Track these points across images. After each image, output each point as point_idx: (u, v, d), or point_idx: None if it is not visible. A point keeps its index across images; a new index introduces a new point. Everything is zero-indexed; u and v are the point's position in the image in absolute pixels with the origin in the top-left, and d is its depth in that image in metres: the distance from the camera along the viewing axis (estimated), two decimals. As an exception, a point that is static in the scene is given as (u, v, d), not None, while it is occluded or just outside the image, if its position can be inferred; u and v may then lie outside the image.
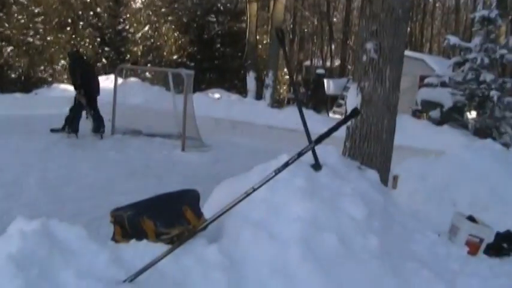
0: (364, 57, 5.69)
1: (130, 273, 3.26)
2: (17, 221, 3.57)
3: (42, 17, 19.77)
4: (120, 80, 14.43)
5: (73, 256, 3.26)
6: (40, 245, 3.18)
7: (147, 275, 3.27)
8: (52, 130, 12.50)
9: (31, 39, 19.17)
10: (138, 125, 13.78)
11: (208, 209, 4.34)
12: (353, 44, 38.62)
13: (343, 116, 20.49)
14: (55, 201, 7.37)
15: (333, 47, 38.83)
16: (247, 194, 3.44)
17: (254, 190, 3.45)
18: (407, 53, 6.00)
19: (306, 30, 44.82)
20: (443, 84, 16.19)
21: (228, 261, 3.70)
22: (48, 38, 19.93)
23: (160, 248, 3.66)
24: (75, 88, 12.60)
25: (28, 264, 3.01)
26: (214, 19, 25.20)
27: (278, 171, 3.59)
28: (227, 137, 13.78)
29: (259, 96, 19.73)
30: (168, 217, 4.03)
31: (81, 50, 20.34)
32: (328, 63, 38.45)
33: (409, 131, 11.47)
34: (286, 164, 3.68)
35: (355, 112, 4.60)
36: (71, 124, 12.41)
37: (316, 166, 4.53)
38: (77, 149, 11.40)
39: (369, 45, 5.64)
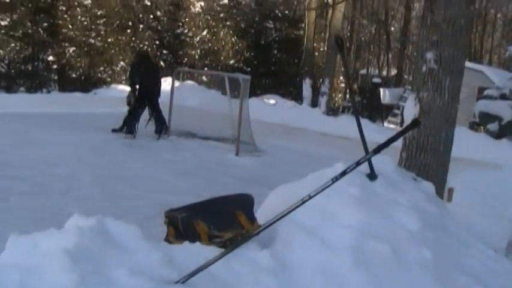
0: (424, 68, 5.62)
1: (182, 274, 3.28)
2: (74, 217, 3.64)
3: (104, 19, 20.19)
4: (177, 83, 14.58)
5: (127, 254, 3.30)
6: (95, 242, 3.24)
7: (198, 277, 3.28)
8: (113, 130, 12.75)
9: (92, 41, 19.60)
10: (193, 127, 13.90)
11: (261, 214, 4.34)
12: (410, 54, 38.19)
13: (398, 126, 20.24)
14: (109, 199, 7.49)
15: (389, 56, 38.47)
16: (303, 201, 3.42)
17: (310, 197, 3.44)
18: (466, 64, 5.90)
19: (362, 38, 44.52)
20: (502, 97, 15.85)
21: (279, 266, 3.69)
22: (109, 40, 20.33)
23: (213, 251, 3.68)
24: (131, 86, 12.79)
25: (83, 260, 3.07)
26: (272, 25, 25.26)
27: (335, 179, 3.56)
28: (281, 142, 13.77)
29: (314, 103, 19.68)
30: (221, 220, 4.04)
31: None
32: (384, 73, 38.09)
33: (466, 144, 11.27)
34: (344, 173, 3.65)
35: (415, 123, 4.52)
36: (128, 126, 12.62)
37: (372, 176, 4.48)
38: (132, 148, 11.57)
39: (429, 55, 5.57)
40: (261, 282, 3.56)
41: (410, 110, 5.77)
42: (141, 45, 21.43)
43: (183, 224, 4.04)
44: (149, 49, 21.34)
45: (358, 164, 3.74)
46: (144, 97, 12.91)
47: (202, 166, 10.40)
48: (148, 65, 13.22)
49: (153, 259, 3.31)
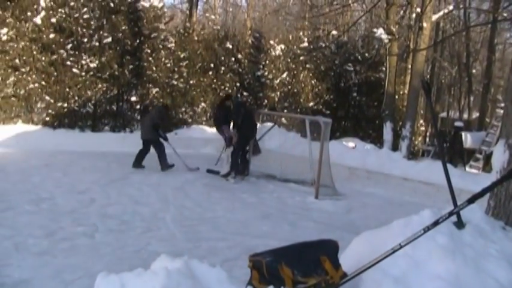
0: (514, 112, 5.45)
1: (268, 319, 3.27)
2: (160, 258, 3.70)
3: (187, 61, 20.60)
4: (258, 125, 14.74)
5: (213, 297, 3.32)
6: (183, 284, 3.27)
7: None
8: (208, 171, 13.10)
9: (175, 82, 20.02)
10: (273, 169, 13.95)
11: (345, 260, 4.28)
12: (493, 97, 37.27)
13: (480, 171, 19.60)
14: (190, 239, 7.56)
15: (471, 98, 37.68)
16: (394, 251, 3.36)
17: (401, 247, 3.37)
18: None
19: (443, 81, 43.86)
20: None
21: (365, 316, 3.63)
22: (191, 82, 20.71)
23: (298, 296, 3.66)
24: (236, 129, 13.38)
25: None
26: (352, 68, 25.23)
27: (427, 229, 3.48)
28: (361, 186, 13.63)
29: (395, 147, 19.43)
30: (306, 266, 4.01)
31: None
32: (465, 116, 37.32)
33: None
34: (436, 223, 3.56)
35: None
36: (237, 168, 13.07)
37: (459, 224, 4.35)
38: (212, 189, 11.67)
39: (519, 100, 5.40)
40: (346, 331, 3.50)
41: (500, 156, 5.58)
42: (222, 87, 21.75)
43: (268, 269, 4.02)
44: (230, 91, 21.64)
45: (451, 214, 3.64)
46: (246, 139, 13.28)
47: (282, 209, 10.37)
48: (247, 108, 13.78)
49: (240, 304, 3.31)
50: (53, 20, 16.81)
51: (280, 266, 3.99)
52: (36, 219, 7.73)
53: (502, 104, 16.73)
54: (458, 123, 26.46)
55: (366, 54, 25.83)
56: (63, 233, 7.22)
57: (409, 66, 23.50)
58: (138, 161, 13.44)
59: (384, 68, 24.14)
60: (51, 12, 16.85)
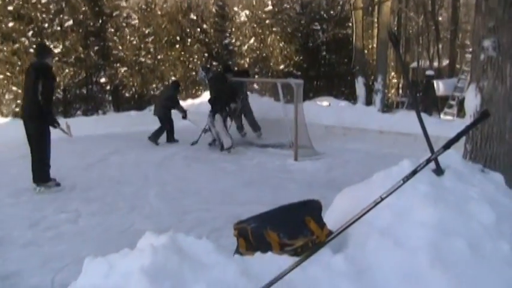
0: (482, 56, 5.45)
1: (259, 285, 3.27)
2: (146, 236, 3.69)
3: (153, 37, 20.45)
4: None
5: (202, 269, 3.32)
6: (170, 259, 3.26)
7: (275, 286, 3.27)
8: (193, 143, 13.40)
9: (143, 59, 19.88)
10: (250, 136, 13.94)
11: (330, 218, 4.31)
12: (461, 43, 37.44)
13: (455, 117, 19.79)
14: (175, 214, 7.58)
15: (440, 46, 37.81)
16: (376, 203, 3.38)
17: (382, 199, 3.39)
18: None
19: (410, 31, 43.90)
20: None
21: (355, 270, 3.65)
22: (159, 57, 20.60)
23: (286, 259, 3.67)
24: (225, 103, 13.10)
25: (160, 278, 3.10)
26: (319, 27, 25.16)
27: (406, 179, 3.49)
28: (339, 143, 13.67)
29: (368, 101, 19.49)
30: (291, 228, 4.03)
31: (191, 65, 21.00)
32: (435, 64, 37.48)
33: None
34: (415, 172, 3.57)
35: (484, 114, 4.37)
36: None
37: (438, 170, 4.38)
38: (192, 161, 11.68)
39: (487, 43, 5.40)
40: (337, 287, 3.53)
41: (472, 100, 5.61)
42: (190, 59, 21.61)
43: (254, 235, 4.04)
44: (199, 62, 21.53)
45: (428, 161, 3.67)
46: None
47: (263, 174, 10.39)
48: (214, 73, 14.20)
49: (229, 272, 3.31)
50: (10, 7, 16.54)
51: (265, 231, 4.00)
52: (18, 211, 7.70)
53: (470, 49, 16.92)
54: (429, 72, 26.64)
55: (331, 12, 25.77)
56: (46, 221, 7.19)
57: (375, 20, 23.51)
58: (155, 136, 13.76)
59: (350, 24, 24.13)
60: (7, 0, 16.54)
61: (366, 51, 23.44)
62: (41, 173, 8.92)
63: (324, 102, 19.34)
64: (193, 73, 21.41)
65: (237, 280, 3.28)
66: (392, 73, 30.22)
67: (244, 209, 7.34)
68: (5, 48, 16.19)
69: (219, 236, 6.01)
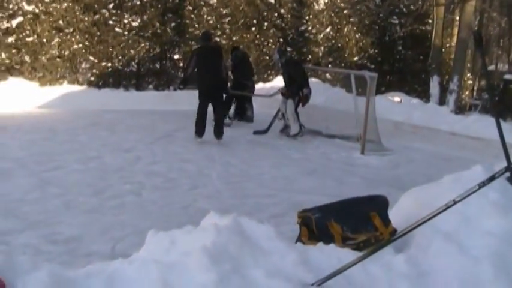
0: None
1: (317, 276, 3.25)
2: (210, 215, 3.70)
3: (229, 18, 20.48)
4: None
5: (262, 254, 3.31)
6: (232, 241, 3.27)
7: (334, 279, 3.24)
8: (255, 132, 13.11)
9: (218, 39, 19.93)
10: (318, 125, 13.84)
11: (394, 217, 4.23)
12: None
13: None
14: (236, 196, 7.61)
15: (522, 50, 36.65)
16: (448, 207, 3.28)
17: (455, 203, 3.28)
18: None
19: (492, 32, 42.69)
20: None
21: (415, 272, 3.58)
22: (234, 38, 20.61)
23: (347, 253, 3.63)
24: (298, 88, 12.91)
25: (222, 259, 3.11)
26: (397, 21, 24.71)
27: (483, 184, 3.37)
28: (407, 141, 13.42)
29: (442, 101, 19.07)
30: (355, 222, 3.99)
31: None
32: (515, 68, 36.40)
33: None
34: (492, 178, 3.44)
35: None
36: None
37: (512, 179, 4.23)
38: (257, 146, 11.67)
39: None
40: (396, 287, 3.46)
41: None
42: (265, 43, 21.60)
43: (317, 225, 4.01)
44: (273, 46, 21.48)
45: (507, 169, 3.51)
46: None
47: (328, 165, 10.31)
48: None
49: (288, 260, 3.30)
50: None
51: (329, 222, 3.97)
52: (85, 178, 7.87)
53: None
54: (508, 76, 25.83)
55: (412, 6, 25.24)
56: (111, 190, 7.34)
57: (457, 18, 22.94)
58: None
59: (430, 20, 23.62)
60: (92, -28, 16.86)
61: (443, 50, 22.91)
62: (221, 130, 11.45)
63: (396, 97, 19.03)
64: (267, 57, 21.35)
65: (296, 269, 3.27)
66: (468, 74, 29.44)
67: (306, 197, 7.32)
68: (85, 19, 16.50)
69: (279, 222, 5.97)
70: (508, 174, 4.06)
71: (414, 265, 3.62)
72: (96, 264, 3.30)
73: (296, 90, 12.66)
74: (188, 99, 13.56)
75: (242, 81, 14.65)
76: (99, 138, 10.93)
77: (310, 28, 23.06)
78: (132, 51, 17.67)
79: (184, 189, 7.76)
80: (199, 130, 11.33)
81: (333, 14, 23.83)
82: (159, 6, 18.16)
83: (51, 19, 16.04)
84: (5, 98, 14.01)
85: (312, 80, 16.23)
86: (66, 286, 2.76)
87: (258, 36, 21.42)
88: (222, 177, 8.65)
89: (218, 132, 11.39)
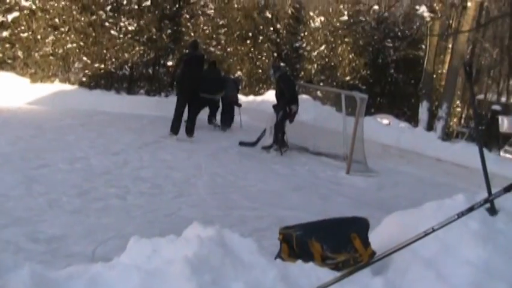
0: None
1: (296, 292, 3.29)
2: (193, 226, 3.74)
3: (225, 29, 20.60)
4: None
5: (243, 268, 3.35)
6: (214, 253, 3.31)
7: (311, 297, 3.28)
8: (241, 143, 13.14)
9: (213, 49, 20.02)
10: (306, 142, 13.90)
11: (375, 239, 4.28)
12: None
13: (516, 158, 19.28)
14: (221, 207, 7.63)
15: (511, 82, 36.96)
16: (426, 234, 3.34)
17: (434, 231, 3.35)
18: None
19: (483, 62, 43.02)
20: None
21: (392, 296, 3.62)
22: (228, 49, 20.73)
23: (326, 272, 3.67)
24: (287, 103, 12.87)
25: (202, 270, 3.14)
26: (391, 44, 24.93)
27: (461, 214, 3.44)
28: (394, 164, 13.51)
29: (429, 127, 19.22)
30: (336, 242, 4.03)
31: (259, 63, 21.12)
32: (503, 99, 36.67)
33: None
34: (471, 209, 3.51)
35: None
36: (282, 142, 12.89)
37: (492, 210, 4.29)
38: (244, 158, 11.70)
39: None
40: (372, 310, 3.51)
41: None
42: (259, 56, 21.72)
43: (298, 243, 4.05)
44: (267, 60, 21.60)
45: (486, 201, 3.59)
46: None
47: (313, 182, 10.36)
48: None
49: (269, 275, 3.33)
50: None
51: (310, 241, 4.01)
52: (70, 178, 7.86)
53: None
54: (495, 107, 26.05)
55: (406, 32, 25.49)
56: (96, 193, 7.33)
57: (450, 46, 23.15)
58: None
59: (423, 46, 23.81)
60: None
61: (434, 76, 23.11)
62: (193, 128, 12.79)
63: (385, 120, 19.15)
64: (260, 71, 21.49)
65: (276, 284, 3.30)
66: (458, 101, 29.68)
67: (290, 213, 7.38)
68: (82, 19, 16.53)
69: (262, 236, 6.00)
70: (487, 205, 4.14)
71: (391, 289, 3.66)
72: (78, 265, 3.32)
73: (283, 106, 12.71)
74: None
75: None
76: (87, 139, 10.93)
77: (304, 45, 23.24)
78: (126, 55, 17.71)
79: (170, 196, 7.77)
80: (176, 128, 12.44)
81: (328, 33, 24.02)
82: (157, 12, 18.24)
83: (47, 16, 16.07)
84: (-5, 92, 14.00)
85: (303, 97, 16.33)
86: (47, 287, 2.78)
87: (252, 49, 21.56)
88: (208, 186, 8.68)
89: (189, 130, 12.76)
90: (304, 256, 3.89)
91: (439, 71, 25.23)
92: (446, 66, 22.81)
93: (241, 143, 13.03)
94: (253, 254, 3.48)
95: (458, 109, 31.83)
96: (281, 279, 3.35)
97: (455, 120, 29.55)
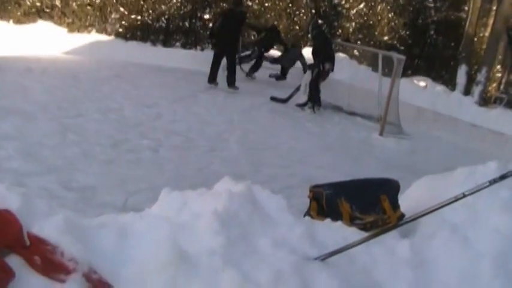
0: None
1: (321, 251, 3.31)
2: (224, 180, 3.76)
3: (265, -18, 20.36)
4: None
5: (271, 224, 3.38)
6: (243, 208, 3.33)
7: (336, 257, 3.30)
8: (272, 98, 13.09)
9: (250, 3, 19.81)
10: (340, 101, 13.82)
11: (404, 202, 4.28)
12: None
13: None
14: (252, 163, 7.68)
15: (555, 48, 36.05)
16: (456, 199, 3.31)
17: (464, 196, 3.31)
18: None
19: (527, 27, 42.00)
20: None
21: (417, 260, 3.63)
22: (266, 4, 20.49)
23: (353, 232, 3.69)
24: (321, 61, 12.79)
25: (231, 224, 3.18)
26: (432, 5, 24.41)
27: (493, 181, 3.38)
28: (427, 128, 13.37)
29: (467, 91, 18.88)
30: (365, 203, 4.04)
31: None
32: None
33: None
34: (504, 177, 3.46)
35: None
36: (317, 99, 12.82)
37: (525, 179, 4.24)
38: (277, 115, 11.66)
39: None
40: (397, 272, 3.52)
41: None
42: (296, 12, 21.45)
43: (327, 201, 4.07)
44: (304, 17, 21.35)
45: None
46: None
47: (346, 142, 10.34)
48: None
49: (295, 233, 3.36)
50: None
51: (339, 200, 4.03)
52: (104, 129, 7.95)
53: None
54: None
55: (449, -9, 24.91)
56: (129, 144, 7.42)
57: (494, 8, 22.59)
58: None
59: (466, 8, 23.27)
60: None
61: (475, 39, 22.63)
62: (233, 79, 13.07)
63: (422, 82, 18.86)
64: (297, 27, 21.25)
65: (301, 242, 3.33)
66: (498, 66, 29.06)
67: (320, 172, 7.39)
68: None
69: (291, 194, 5.99)
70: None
71: (417, 253, 3.66)
72: (109, 215, 3.39)
73: (318, 64, 12.60)
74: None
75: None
76: (122, 90, 10.99)
77: (343, 2, 22.84)
78: (163, 7, 17.63)
79: (202, 150, 7.83)
80: (212, 79, 12.96)
81: (368, -10, 23.57)
82: (195, -36, 18.08)
83: (86, -33, 16.06)
84: (33, 40, 14.10)
85: (340, 56, 16.15)
86: (79, 233, 2.84)
87: (290, 5, 21.27)
88: (240, 142, 8.71)
89: (230, 82, 13.00)
90: (333, 215, 3.91)
91: (481, 34, 24.67)
92: (488, 29, 22.28)
93: (273, 98, 12.97)
94: (282, 211, 3.50)
95: (498, 74, 31.11)
96: (308, 237, 3.38)
97: (494, 85, 28.99)
